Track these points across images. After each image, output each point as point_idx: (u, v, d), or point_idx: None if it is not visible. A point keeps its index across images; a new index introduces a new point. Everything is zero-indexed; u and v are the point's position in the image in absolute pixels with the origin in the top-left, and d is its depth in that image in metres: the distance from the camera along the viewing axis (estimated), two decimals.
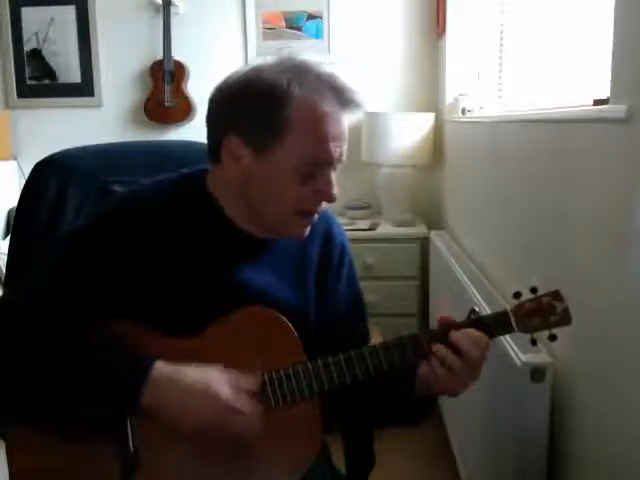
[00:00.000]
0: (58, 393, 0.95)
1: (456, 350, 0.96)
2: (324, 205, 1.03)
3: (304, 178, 0.98)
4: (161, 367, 0.94)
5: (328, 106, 0.96)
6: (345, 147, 0.99)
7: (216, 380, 0.95)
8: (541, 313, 0.99)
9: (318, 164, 0.98)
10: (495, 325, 1.00)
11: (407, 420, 1.13)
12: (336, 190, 1.00)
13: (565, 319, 0.99)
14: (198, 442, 0.97)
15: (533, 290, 1.00)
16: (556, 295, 0.99)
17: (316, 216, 1.04)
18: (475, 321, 1.00)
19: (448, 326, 0.99)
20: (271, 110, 0.94)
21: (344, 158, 1.00)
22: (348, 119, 0.99)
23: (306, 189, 0.98)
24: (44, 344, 0.97)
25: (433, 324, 1.05)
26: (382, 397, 1.11)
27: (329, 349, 1.03)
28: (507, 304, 1.05)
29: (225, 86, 1.00)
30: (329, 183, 0.99)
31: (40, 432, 0.97)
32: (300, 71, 0.96)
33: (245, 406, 0.95)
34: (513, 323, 0.99)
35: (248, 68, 0.99)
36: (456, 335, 0.96)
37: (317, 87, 0.95)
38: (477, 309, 1.02)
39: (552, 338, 0.99)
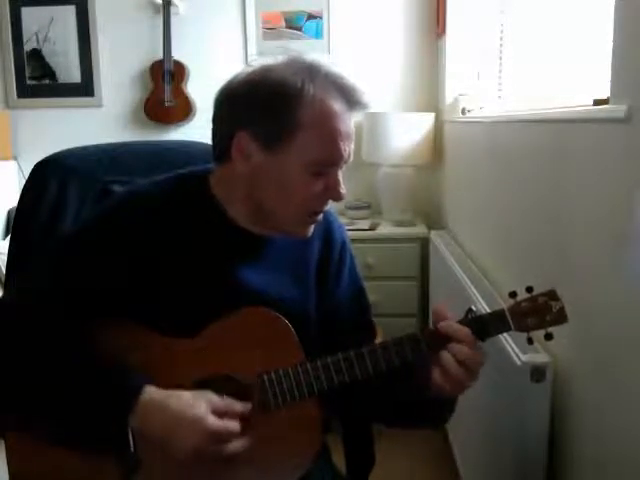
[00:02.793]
0: (54, 395, 0.95)
1: (456, 358, 0.96)
2: (330, 204, 1.04)
3: (313, 177, 0.98)
4: (149, 394, 0.94)
5: (338, 106, 0.97)
6: (352, 146, 1.01)
7: (202, 407, 0.95)
8: (537, 312, 1.00)
9: (327, 163, 0.98)
10: (492, 324, 1.00)
11: (425, 423, 1.13)
12: (344, 189, 1.01)
13: (561, 318, 1.00)
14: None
15: (529, 289, 1.01)
16: (552, 294, 1.00)
17: (321, 216, 1.05)
18: (472, 320, 1.00)
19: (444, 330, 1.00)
20: (284, 108, 0.95)
21: (351, 158, 1.01)
22: (354, 119, 1.00)
23: (315, 188, 0.99)
24: (43, 346, 0.97)
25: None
26: (395, 399, 1.10)
27: (335, 346, 1.03)
28: (504, 303, 1.05)
29: (236, 84, 1.00)
30: (337, 182, 1.00)
31: (39, 437, 0.97)
32: (312, 71, 0.97)
33: (231, 432, 0.96)
34: (510, 322, 1.00)
35: (258, 67, 1.00)
36: (455, 347, 0.97)
37: (328, 87, 0.97)
38: (474, 308, 1.02)
39: (548, 337, 1.00)
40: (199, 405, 0.95)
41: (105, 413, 0.94)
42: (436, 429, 1.11)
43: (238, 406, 0.98)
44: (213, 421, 0.95)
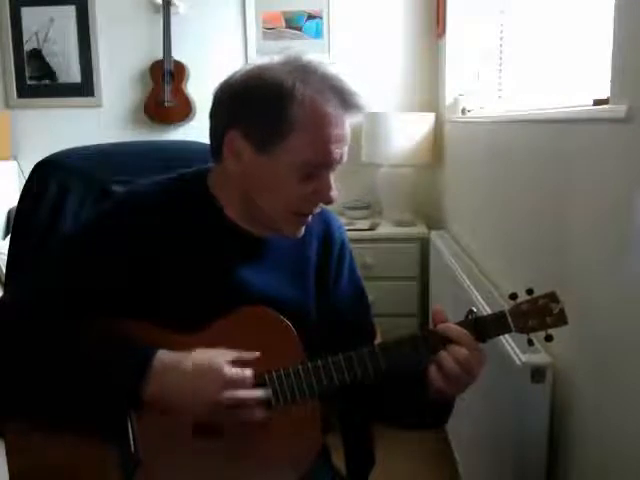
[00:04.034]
0: (59, 390, 0.95)
1: (456, 360, 0.96)
2: (321, 206, 1.04)
3: (303, 178, 0.98)
4: (162, 355, 0.94)
5: (332, 108, 0.96)
6: (346, 149, 1.00)
7: (217, 358, 0.95)
8: (538, 314, 1.00)
9: (318, 165, 0.98)
10: (493, 325, 1.01)
11: (425, 424, 1.13)
12: (334, 192, 1.00)
13: (561, 320, 1.00)
14: (201, 430, 0.96)
15: (529, 291, 1.01)
16: (552, 296, 1.00)
17: (310, 217, 1.04)
18: (473, 321, 1.00)
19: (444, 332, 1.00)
20: (276, 108, 0.94)
21: (344, 160, 1.00)
22: (350, 122, 0.99)
23: (305, 189, 0.99)
24: (44, 342, 0.97)
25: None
26: (395, 400, 1.10)
27: (335, 346, 1.03)
28: (505, 305, 1.05)
29: (231, 82, 1.00)
30: (328, 185, 1.00)
31: (42, 431, 0.97)
32: (306, 72, 0.96)
33: (248, 378, 0.95)
34: (511, 323, 1.00)
35: (255, 66, 1.00)
36: (455, 348, 0.97)
37: (322, 88, 0.96)
38: (475, 309, 1.02)
39: (548, 339, 1.00)
40: (213, 357, 0.95)
41: (119, 386, 0.93)
42: (434, 430, 1.11)
43: (246, 354, 0.97)
44: (229, 369, 0.94)
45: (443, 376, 0.97)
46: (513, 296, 1.01)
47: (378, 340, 1.18)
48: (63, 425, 0.96)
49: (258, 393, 0.96)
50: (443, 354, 0.97)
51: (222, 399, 0.93)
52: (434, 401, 1.02)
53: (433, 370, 0.98)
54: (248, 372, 0.95)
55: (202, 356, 0.95)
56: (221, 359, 0.95)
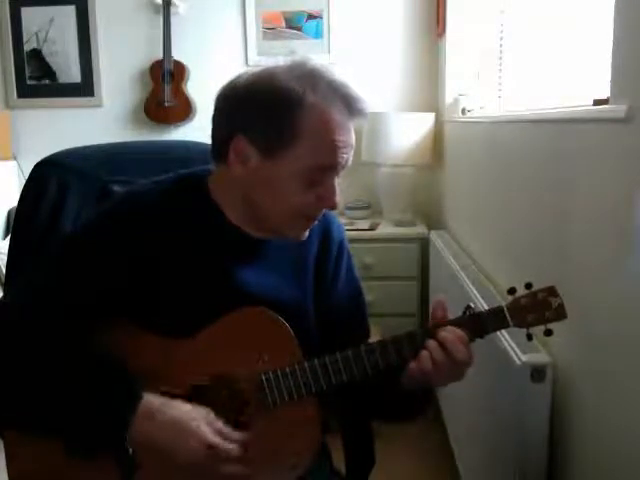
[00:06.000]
0: (52, 397, 0.95)
1: (442, 347, 0.97)
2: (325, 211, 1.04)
3: (309, 184, 0.98)
4: (147, 402, 0.94)
5: (339, 115, 0.96)
6: (351, 154, 1.01)
7: (201, 422, 0.95)
8: (536, 308, 1.00)
9: (324, 170, 0.98)
10: (491, 320, 1.01)
11: (403, 415, 1.13)
12: (339, 197, 1.01)
13: (560, 314, 1.00)
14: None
15: (528, 286, 1.01)
16: (551, 291, 1.01)
17: (316, 221, 1.05)
18: (471, 317, 1.00)
19: (442, 324, 1.00)
20: (284, 115, 0.95)
21: (349, 164, 1.01)
22: (354, 126, 1.00)
23: (310, 194, 0.99)
24: (42, 346, 0.97)
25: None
26: (374, 391, 1.11)
27: (331, 344, 1.03)
28: (503, 300, 1.05)
29: (237, 86, 0.99)
30: (332, 190, 1.00)
31: (39, 436, 0.97)
32: (314, 78, 0.96)
33: (225, 445, 0.96)
34: (508, 318, 1.00)
35: (261, 70, 0.99)
36: (443, 334, 0.98)
37: (329, 95, 0.96)
38: (472, 305, 1.03)
39: (548, 333, 1.01)
40: (198, 419, 0.95)
41: (104, 420, 0.93)
42: (413, 422, 1.12)
43: (236, 434, 0.98)
44: (212, 437, 0.95)
45: (432, 364, 0.98)
46: (512, 290, 1.01)
47: (372, 339, 1.18)
48: (58, 429, 0.96)
49: (235, 467, 0.96)
50: (430, 340, 0.98)
51: (200, 463, 0.94)
52: (414, 391, 1.03)
53: (422, 358, 0.99)
54: (235, 450, 0.96)
55: (187, 413, 0.95)
56: (204, 424, 0.95)
